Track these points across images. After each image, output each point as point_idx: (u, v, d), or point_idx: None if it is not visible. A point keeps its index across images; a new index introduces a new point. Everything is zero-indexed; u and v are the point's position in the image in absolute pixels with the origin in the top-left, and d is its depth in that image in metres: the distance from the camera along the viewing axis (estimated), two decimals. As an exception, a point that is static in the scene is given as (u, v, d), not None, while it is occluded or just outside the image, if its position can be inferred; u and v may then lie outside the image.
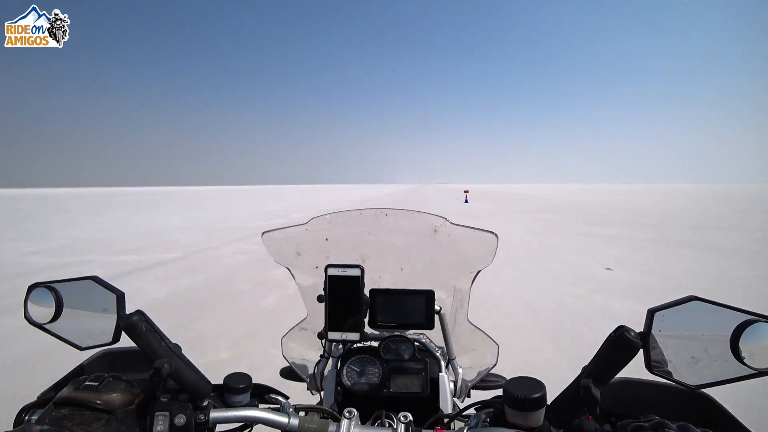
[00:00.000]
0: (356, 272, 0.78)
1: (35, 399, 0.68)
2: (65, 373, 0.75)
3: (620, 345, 0.57)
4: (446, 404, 0.83)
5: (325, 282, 0.78)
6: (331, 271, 0.78)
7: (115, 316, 0.68)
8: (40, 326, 0.67)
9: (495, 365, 0.90)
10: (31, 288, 0.67)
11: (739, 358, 0.54)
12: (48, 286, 0.67)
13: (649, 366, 0.58)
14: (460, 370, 0.90)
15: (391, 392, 0.82)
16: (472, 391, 0.92)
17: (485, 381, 0.92)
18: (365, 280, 0.83)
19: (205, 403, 0.67)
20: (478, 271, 0.87)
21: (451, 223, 0.88)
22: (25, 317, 0.66)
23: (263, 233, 0.90)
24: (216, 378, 0.75)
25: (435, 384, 0.84)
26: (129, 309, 0.70)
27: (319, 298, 0.80)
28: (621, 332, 0.57)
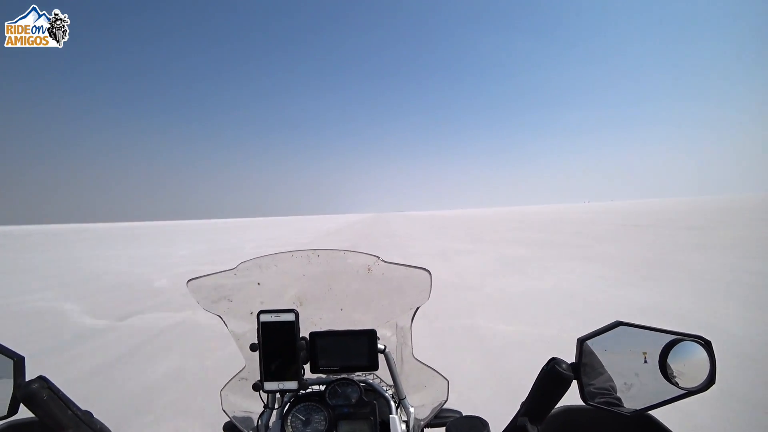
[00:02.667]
0: (290, 317, 0.74)
1: None
2: None
3: (553, 379, 0.56)
4: None
5: (258, 329, 0.74)
6: (264, 317, 0.74)
7: (12, 384, 0.60)
8: None
9: (446, 400, 0.88)
10: None
11: (668, 379, 0.55)
12: None
13: (584, 397, 0.57)
14: (411, 410, 0.87)
15: None
16: (426, 429, 0.89)
17: (439, 417, 0.89)
18: (304, 323, 0.79)
19: None
20: (417, 308, 0.85)
21: (383, 261, 0.87)
22: None
23: (188, 281, 0.85)
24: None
25: (386, 426, 0.80)
26: (33, 374, 0.63)
27: (252, 347, 0.75)
28: (552, 365, 0.56)
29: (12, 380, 0.61)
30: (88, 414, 0.65)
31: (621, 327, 0.57)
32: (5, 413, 0.60)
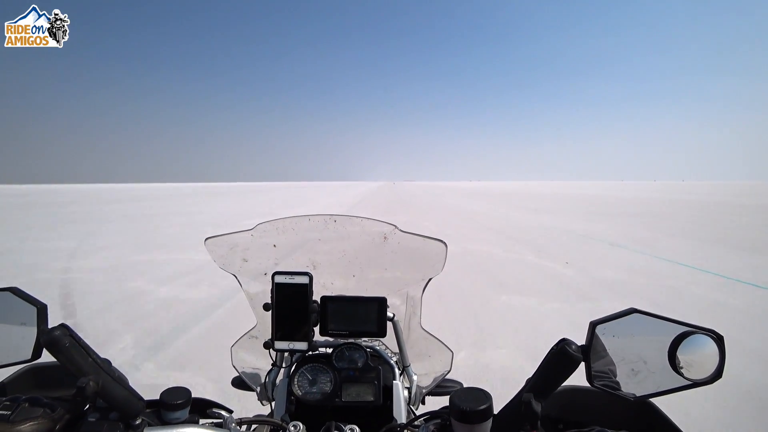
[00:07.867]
0: (304, 279, 0.75)
1: None
2: None
3: (562, 359, 0.56)
4: (400, 412, 0.81)
5: (272, 290, 0.76)
6: (279, 279, 0.75)
7: (35, 330, 0.63)
8: None
9: (449, 371, 0.90)
10: None
11: (676, 369, 0.55)
12: None
13: (591, 379, 0.58)
14: (414, 377, 0.90)
15: (342, 401, 0.80)
16: (427, 397, 0.92)
17: (440, 387, 0.92)
18: (316, 287, 0.80)
19: (138, 421, 0.63)
20: (429, 279, 0.86)
21: (400, 230, 0.87)
22: None
23: (206, 239, 0.86)
24: (153, 394, 0.71)
25: (389, 392, 0.83)
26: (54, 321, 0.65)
27: (266, 306, 0.77)
28: (562, 346, 0.57)
29: (35, 327, 0.63)
30: (107, 362, 0.68)
31: (635, 314, 0.57)
32: (29, 357, 0.63)
